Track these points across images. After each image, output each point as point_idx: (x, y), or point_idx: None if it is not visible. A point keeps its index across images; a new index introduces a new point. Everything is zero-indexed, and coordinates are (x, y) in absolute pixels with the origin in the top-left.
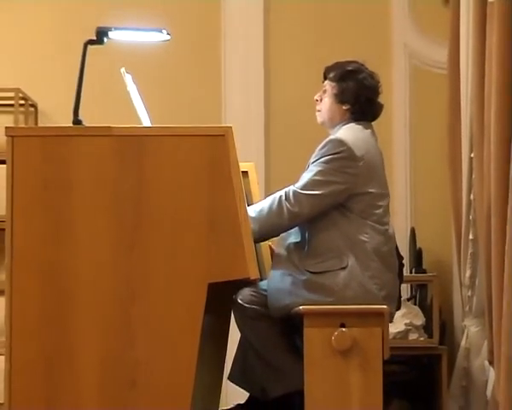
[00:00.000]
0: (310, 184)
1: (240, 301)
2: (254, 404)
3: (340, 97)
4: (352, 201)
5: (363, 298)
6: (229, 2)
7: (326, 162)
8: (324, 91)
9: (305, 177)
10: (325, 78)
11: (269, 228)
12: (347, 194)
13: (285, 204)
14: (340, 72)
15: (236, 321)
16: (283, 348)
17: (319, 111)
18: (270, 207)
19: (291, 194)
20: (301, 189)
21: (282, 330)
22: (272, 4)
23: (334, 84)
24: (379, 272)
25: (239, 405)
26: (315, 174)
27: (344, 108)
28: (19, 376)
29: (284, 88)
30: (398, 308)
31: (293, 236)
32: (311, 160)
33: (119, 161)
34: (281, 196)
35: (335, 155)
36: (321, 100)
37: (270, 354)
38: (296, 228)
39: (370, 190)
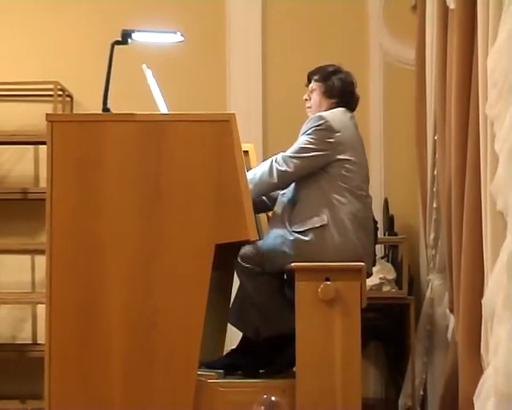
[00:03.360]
0: (295, 150)
1: (240, 260)
2: (245, 346)
3: (328, 94)
4: (332, 166)
5: (344, 250)
6: (232, 8)
7: (309, 134)
8: (312, 91)
9: (293, 146)
10: (310, 80)
11: (262, 186)
12: (328, 160)
13: (275, 165)
14: (324, 73)
15: (237, 274)
16: (274, 298)
17: (309, 108)
18: (263, 169)
19: (280, 157)
20: (289, 153)
21: (275, 285)
22: (269, 10)
23: (320, 84)
24: (355, 232)
25: (232, 350)
26: (300, 143)
27: (332, 101)
28: (57, 321)
29: (279, 81)
30: (374, 265)
31: (287, 195)
32: (300, 134)
33: (141, 143)
34: (272, 160)
35: (316, 128)
36: (310, 98)
37: (263, 302)
38: (290, 189)
39: (348, 158)
